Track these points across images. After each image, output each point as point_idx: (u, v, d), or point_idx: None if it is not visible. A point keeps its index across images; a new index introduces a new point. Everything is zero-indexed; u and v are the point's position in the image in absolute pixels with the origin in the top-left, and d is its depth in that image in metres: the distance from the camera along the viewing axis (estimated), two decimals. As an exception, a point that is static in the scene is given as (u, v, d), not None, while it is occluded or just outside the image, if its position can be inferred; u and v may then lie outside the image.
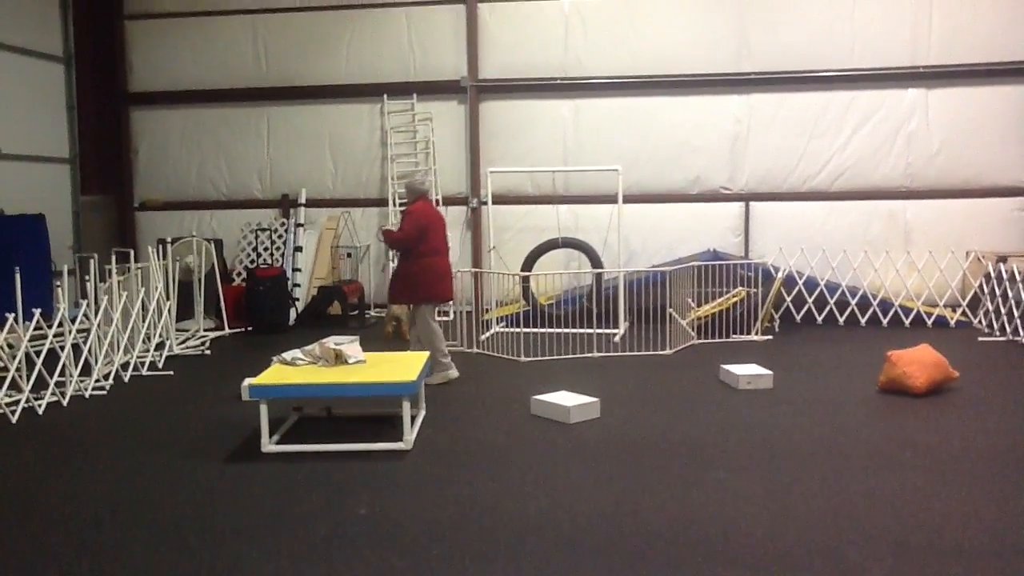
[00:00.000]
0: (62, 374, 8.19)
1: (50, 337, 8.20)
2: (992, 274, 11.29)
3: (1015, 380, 8.53)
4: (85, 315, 8.83)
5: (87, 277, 9.02)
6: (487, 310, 11.91)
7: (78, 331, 8.58)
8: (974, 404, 7.51)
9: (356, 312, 12.67)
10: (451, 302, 8.65)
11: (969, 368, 8.53)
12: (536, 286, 11.81)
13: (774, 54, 12.94)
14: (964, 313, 11.77)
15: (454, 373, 8.64)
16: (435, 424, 7.13)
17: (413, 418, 6.88)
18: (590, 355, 9.93)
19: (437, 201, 13.46)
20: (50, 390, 7.98)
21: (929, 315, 11.56)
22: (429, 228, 8.41)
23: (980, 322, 11.45)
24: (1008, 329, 10.59)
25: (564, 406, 7.13)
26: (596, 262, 11.83)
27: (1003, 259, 11.19)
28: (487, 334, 11.03)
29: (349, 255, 13.70)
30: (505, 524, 4.97)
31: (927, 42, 12.67)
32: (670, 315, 10.43)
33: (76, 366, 8.41)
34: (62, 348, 8.22)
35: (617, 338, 10.82)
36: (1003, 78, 12.60)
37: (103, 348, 8.97)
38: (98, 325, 8.86)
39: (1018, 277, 10.53)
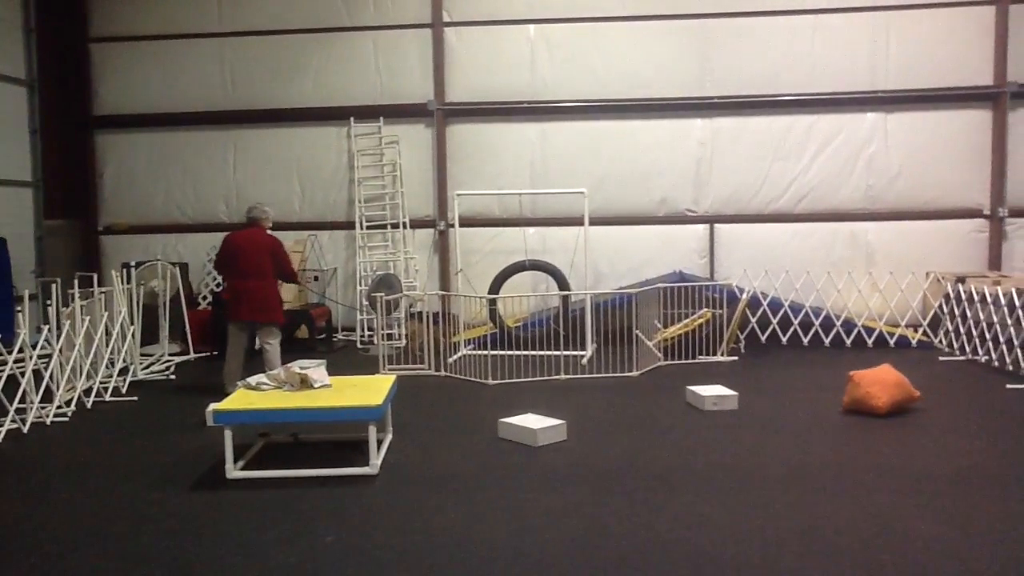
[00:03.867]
0: (23, 401, 8.06)
1: (10, 363, 8.07)
2: (951, 294, 11.50)
3: (975, 399, 8.69)
4: (47, 340, 8.70)
5: (49, 302, 8.90)
6: (455, 333, 11.90)
7: (39, 357, 8.46)
8: (936, 424, 7.63)
9: (323, 336, 12.60)
10: (261, 323, 9.17)
11: (930, 388, 8.65)
12: (503, 308, 11.83)
13: (736, 78, 13.15)
14: (925, 333, 11.98)
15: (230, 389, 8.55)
16: (402, 448, 7.11)
17: (380, 442, 6.86)
18: (557, 377, 9.96)
19: (405, 224, 13.54)
20: (10, 417, 7.85)
21: (891, 335, 11.74)
22: (231, 255, 9.06)
23: (941, 342, 11.65)
24: (967, 348, 10.78)
25: (531, 429, 7.14)
26: (563, 284, 11.88)
27: (962, 280, 11.41)
28: (455, 357, 11.04)
29: (316, 278, 13.63)
30: (475, 552, 4.96)
31: (885, 67, 12.95)
32: (637, 337, 10.50)
33: (37, 392, 8.28)
34: (23, 374, 8.09)
35: (584, 360, 10.87)
36: (960, 103, 12.91)
37: (65, 374, 8.83)
38: (60, 350, 8.74)
39: (976, 297, 10.74)
